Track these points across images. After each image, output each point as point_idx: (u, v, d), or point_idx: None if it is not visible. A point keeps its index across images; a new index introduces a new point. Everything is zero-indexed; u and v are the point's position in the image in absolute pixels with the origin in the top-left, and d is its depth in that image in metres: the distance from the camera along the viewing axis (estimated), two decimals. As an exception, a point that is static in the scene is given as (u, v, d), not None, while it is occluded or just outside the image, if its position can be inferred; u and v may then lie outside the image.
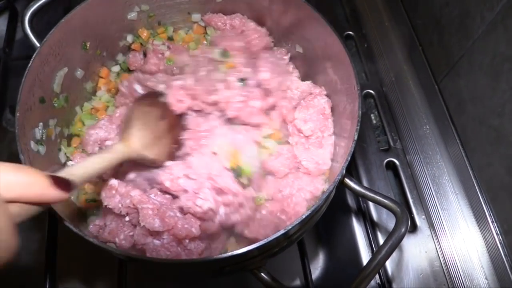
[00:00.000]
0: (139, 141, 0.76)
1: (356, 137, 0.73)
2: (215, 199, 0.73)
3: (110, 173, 0.76)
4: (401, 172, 1.04)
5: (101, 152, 0.72)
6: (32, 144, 0.77)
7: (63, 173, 0.55)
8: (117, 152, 0.71)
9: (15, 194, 0.44)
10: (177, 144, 0.84)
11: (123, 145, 0.74)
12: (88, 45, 0.90)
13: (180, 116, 0.87)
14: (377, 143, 1.08)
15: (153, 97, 0.85)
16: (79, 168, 0.61)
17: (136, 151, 0.75)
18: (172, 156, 0.82)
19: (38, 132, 0.80)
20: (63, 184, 0.51)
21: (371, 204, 0.99)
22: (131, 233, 0.74)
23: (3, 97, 1.08)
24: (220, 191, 0.75)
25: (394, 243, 0.71)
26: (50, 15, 1.08)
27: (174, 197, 0.76)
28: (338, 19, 1.26)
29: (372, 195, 0.78)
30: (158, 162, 0.79)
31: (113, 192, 0.73)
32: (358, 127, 0.74)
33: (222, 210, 0.74)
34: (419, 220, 0.98)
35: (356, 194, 0.83)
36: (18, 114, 0.74)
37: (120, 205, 0.72)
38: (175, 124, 0.85)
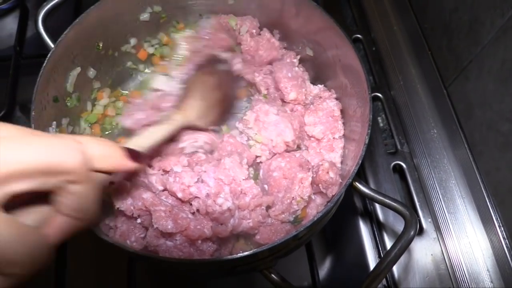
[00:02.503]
0: (195, 112, 0.83)
1: (367, 141, 0.74)
2: (233, 201, 0.74)
3: (121, 175, 0.77)
4: (408, 175, 1.04)
5: (162, 122, 0.77)
6: (46, 143, 0.78)
7: (131, 145, 0.61)
8: (175, 122, 0.78)
9: (101, 165, 0.48)
10: (227, 113, 0.91)
11: (180, 115, 0.80)
12: (101, 45, 0.91)
13: (235, 83, 0.93)
14: (384, 146, 1.09)
15: (213, 65, 0.90)
16: (143, 139, 0.67)
17: (191, 121, 0.82)
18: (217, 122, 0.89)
19: (52, 131, 0.81)
20: (134, 155, 0.55)
21: (377, 206, 0.99)
22: (142, 235, 0.74)
23: (14, 96, 1.09)
24: (237, 194, 0.76)
25: (403, 246, 0.72)
26: (61, 14, 1.09)
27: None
28: (347, 22, 1.27)
29: (381, 198, 0.79)
30: (208, 130, 0.86)
31: (125, 194, 0.74)
32: (369, 131, 0.75)
33: (236, 214, 0.75)
34: (426, 223, 0.99)
35: (365, 196, 0.84)
36: (33, 114, 0.74)
37: (132, 208, 0.73)
38: (229, 93, 0.92)
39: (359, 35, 1.24)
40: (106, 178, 0.51)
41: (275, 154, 0.88)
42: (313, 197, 0.83)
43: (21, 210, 0.45)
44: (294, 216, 0.81)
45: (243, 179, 0.80)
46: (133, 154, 0.55)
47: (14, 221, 0.40)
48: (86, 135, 0.88)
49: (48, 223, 0.45)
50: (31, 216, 0.45)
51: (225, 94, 0.90)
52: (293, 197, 0.80)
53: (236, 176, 0.79)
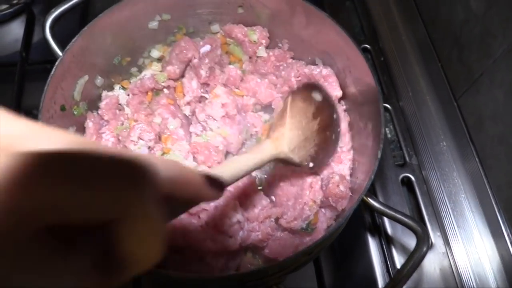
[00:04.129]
0: (289, 143, 0.72)
1: (379, 156, 0.73)
2: (242, 213, 0.73)
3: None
4: (416, 188, 1.03)
5: (250, 151, 0.67)
6: (53, 152, 0.77)
7: (214, 173, 0.50)
8: (266, 152, 0.67)
9: (174, 190, 0.37)
10: (325, 149, 0.79)
11: (273, 145, 0.70)
12: (109, 53, 0.90)
13: (333, 115, 0.81)
14: (392, 158, 1.07)
15: (308, 92, 0.79)
16: (229, 168, 0.56)
17: (285, 154, 0.70)
18: (319, 162, 0.78)
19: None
20: (216, 184, 0.46)
21: (386, 220, 0.98)
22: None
23: (19, 102, 1.08)
24: (246, 206, 0.74)
25: (415, 263, 0.71)
26: (67, 21, 1.08)
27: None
28: (355, 31, 1.26)
29: (392, 213, 0.78)
30: (303, 166, 0.75)
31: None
32: (382, 145, 0.74)
33: (245, 226, 0.73)
34: (434, 237, 0.97)
35: (375, 211, 0.83)
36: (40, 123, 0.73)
37: None
38: (327, 125, 0.79)
39: (367, 45, 1.23)
40: (177, 210, 0.41)
41: None
42: (322, 210, 0.82)
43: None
44: (306, 222, 0.80)
45: (252, 190, 0.79)
46: (215, 183, 0.44)
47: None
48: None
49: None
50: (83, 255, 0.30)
51: (323, 126, 0.78)
52: (305, 202, 0.79)
53: (244, 187, 0.78)
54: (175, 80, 0.95)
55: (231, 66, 0.97)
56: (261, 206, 0.76)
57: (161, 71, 0.96)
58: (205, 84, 0.94)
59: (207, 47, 0.93)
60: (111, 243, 0.30)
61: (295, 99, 0.76)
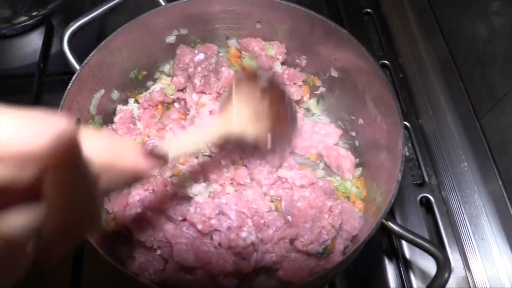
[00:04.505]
0: (237, 120, 0.70)
1: (400, 178, 0.70)
2: (256, 234, 0.71)
3: (144, 205, 0.74)
4: (436, 209, 1.00)
5: (199, 127, 0.69)
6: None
7: (157, 147, 0.51)
8: (215, 128, 0.67)
9: (108, 161, 0.39)
10: (284, 129, 0.79)
11: (221, 123, 0.70)
12: (126, 67, 0.90)
13: (284, 99, 0.80)
14: (411, 177, 1.04)
15: (253, 77, 0.78)
16: (173, 143, 0.57)
17: (233, 130, 0.70)
18: (278, 144, 0.77)
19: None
20: (156, 155, 0.46)
21: (404, 243, 0.95)
22: (161, 267, 0.72)
23: (36, 113, 1.08)
24: (260, 227, 0.73)
25: (436, 291, 0.68)
26: (84, 34, 1.08)
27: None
28: (373, 47, 1.24)
29: (411, 237, 0.75)
30: (261, 142, 0.74)
31: (145, 224, 0.71)
32: (402, 167, 0.71)
33: (259, 247, 0.72)
34: (454, 260, 0.94)
35: (393, 234, 0.80)
36: (55, 137, 0.73)
37: (152, 239, 0.71)
38: (278, 106, 0.78)
39: (386, 61, 1.21)
40: (114, 182, 0.41)
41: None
42: (339, 232, 0.79)
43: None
44: (323, 246, 0.77)
45: (266, 211, 0.77)
46: (155, 154, 0.45)
47: None
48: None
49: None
50: (20, 217, 0.31)
51: (277, 107, 0.77)
52: (323, 226, 0.77)
53: (259, 208, 0.76)
54: (183, 90, 0.95)
55: (223, 69, 0.94)
56: (276, 227, 0.75)
57: (169, 85, 0.95)
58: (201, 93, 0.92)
59: (200, 56, 0.92)
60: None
61: (240, 83, 0.75)
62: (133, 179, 0.44)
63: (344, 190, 0.89)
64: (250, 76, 0.79)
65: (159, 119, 0.93)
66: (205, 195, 0.78)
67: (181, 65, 0.92)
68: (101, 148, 0.38)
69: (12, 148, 0.27)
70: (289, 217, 0.81)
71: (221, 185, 0.80)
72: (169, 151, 0.51)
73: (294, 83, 0.97)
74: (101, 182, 0.38)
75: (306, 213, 0.77)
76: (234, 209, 0.74)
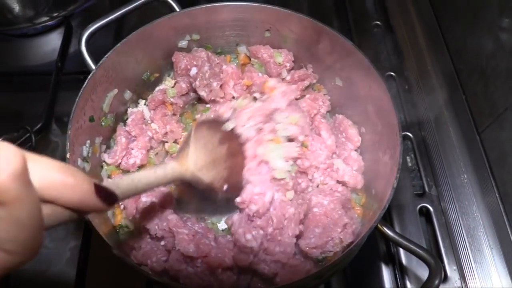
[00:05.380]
0: (195, 162, 0.72)
1: (395, 185, 0.73)
2: (261, 243, 0.74)
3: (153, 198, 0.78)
4: (434, 219, 1.02)
5: (152, 168, 0.68)
6: (79, 161, 0.81)
7: (108, 184, 0.51)
8: (169, 169, 0.67)
9: (54, 194, 0.39)
10: (238, 173, 0.79)
11: (177, 163, 0.70)
12: (139, 69, 0.94)
13: (242, 144, 0.82)
14: (411, 187, 1.07)
15: (214, 123, 0.82)
16: (126, 181, 0.56)
17: (190, 172, 0.71)
18: (234, 185, 0.78)
19: (85, 150, 0.83)
20: (106, 194, 0.45)
21: (401, 249, 0.97)
22: (163, 258, 0.75)
23: (52, 109, 1.13)
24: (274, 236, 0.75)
25: (427, 296, 0.70)
26: (100, 36, 1.13)
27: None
28: (381, 58, 1.27)
29: (406, 243, 0.77)
30: (216, 188, 0.75)
31: (152, 213, 0.75)
32: (398, 175, 0.74)
33: (260, 254, 0.74)
34: (450, 270, 0.95)
35: (389, 240, 0.82)
36: (69, 132, 0.77)
37: (156, 227, 0.74)
38: (236, 151, 0.81)
39: (392, 73, 1.24)
40: (60, 215, 0.41)
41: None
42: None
43: None
44: (323, 256, 0.80)
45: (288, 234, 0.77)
46: (105, 193, 0.45)
47: None
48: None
49: None
50: None
51: (232, 152, 0.80)
52: (332, 238, 0.79)
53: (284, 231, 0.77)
54: (186, 95, 0.99)
55: (224, 67, 0.97)
56: (284, 250, 0.76)
57: (173, 87, 0.99)
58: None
59: (193, 70, 0.95)
60: None
61: (200, 127, 0.78)
62: (79, 214, 0.44)
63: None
64: (210, 123, 0.82)
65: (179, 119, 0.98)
66: None
67: (179, 72, 0.96)
68: (48, 180, 0.39)
69: None
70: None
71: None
72: (120, 190, 0.52)
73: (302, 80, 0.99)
74: (44, 214, 0.39)
75: (320, 220, 0.79)
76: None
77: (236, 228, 0.75)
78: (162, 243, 0.75)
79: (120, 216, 0.86)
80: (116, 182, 0.53)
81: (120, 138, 0.90)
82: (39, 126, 1.07)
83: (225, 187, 0.76)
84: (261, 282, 0.80)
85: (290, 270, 0.76)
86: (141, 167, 0.92)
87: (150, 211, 0.75)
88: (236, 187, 0.78)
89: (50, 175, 0.39)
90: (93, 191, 0.43)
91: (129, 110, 0.96)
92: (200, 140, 0.75)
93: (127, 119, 0.95)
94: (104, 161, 0.89)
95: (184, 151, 0.73)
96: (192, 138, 0.74)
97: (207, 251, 0.73)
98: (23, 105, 1.18)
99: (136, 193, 0.58)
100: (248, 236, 0.74)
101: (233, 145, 0.80)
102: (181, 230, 0.73)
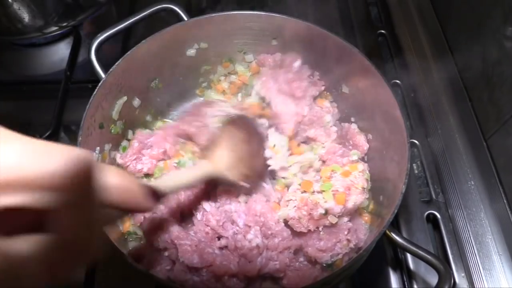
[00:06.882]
0: (223, 162, 0.78)
1: (403, 191, 0.73)
2: (263, 240, 0.75)
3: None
4: (442, 226, 1.02)
5: (189, 167, 0.77)
6: (89, 168, 0.81)
7: (154, 184, 0.57)
8: (203, 169, 0.75)
9: (115, 200, 0.41)
10: (259, 169, 0.87)
11: (209, 164, 0.77)
12: (148, 77, 0.95)
13: (261, 142, 0.90)
14: (418, 194, 1.07)
15: (241, 121, 0.89)
16: (168, 180, 0.64)
17: (219, 171, 0.77)
18: (251, 182, 0.84)
19: (95, 156, 0.84)
20: (155, 195, 0.51)
21: (409, 255, 0.97)
22: (168, 267, 0.75)
23: (60, 118, 1.14)
24: (267, 235, 0.76)
25: (436, 302, 0.70)
26: (109, 44, 1.14)
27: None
28: (386, 67, 1.28)
29: (415, 249, 0.78)
30: (237, 184, 0.81)
31: (154, 224, 0.75)
32: (406, 181, 0.74)
33: (264, 253, 0.75)
34: (459, 277, 0.95)
35: (398, 246, 0.82)
36: (80, 139, 0.78)
37: (158, 239, 0.74)
38: (258, 149, 0.88)
39: (397, 81, 1.24)
40: (117, 216, 0.45)
41: None
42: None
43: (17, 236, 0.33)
44: (332, 260, 0.80)
45: (274, 224, 0.80)
46: (155, 194, 0.50)
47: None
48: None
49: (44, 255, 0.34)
50: (26, 243, 0.33)
51: (256, 150, 0.87)
52: (339, 240, 0.80)
53: (266, 221, 0.79)
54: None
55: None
56: (282, 237, 0.77)
57: None
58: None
59: (167, 146, 0.94)
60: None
61: (228, 126, 0.86)
62: (131, 213, 0.48)
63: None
64: (235, 121, 0.88)
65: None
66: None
67: (155, 156, 0.94)
68: (115, 184, 0.41)
69: (17, 174, 0.28)
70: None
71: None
72: (164, 188, 0.58)
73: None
74: (108, 215, 0.42)
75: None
76: (243, 218, 0.77)
77: (232, 240, 0.76)
78: (166, 254, 0.76)
79: (128, 222, 0.86)
80: (160, 182, 0.60)
81: (134, 143, 0.91)
82: (47, 134, 1.08)
83: (247, 185, 0.81)
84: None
85: (297, 274, 0.76)
86: (146, 175, 0.93)
87: (152, 221, 0.76)
88: (252, 184, 0.84)
89: (114, 182, 0.40)
90: (145, 193, 0.46)
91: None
92: (227, 140, 0.82)
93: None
94: (115, 160, 0.91)
95: (213, 151, 0.80)
96: (220, 138, 0.82)
97: (211, 260, 0.73)
98: (32, 113, 1.19)
99: (177, 190, 0.67)
100: (249, 236, 0.75)
101: (254, 143, 0.87)
102: (183, 242, 0.74)
